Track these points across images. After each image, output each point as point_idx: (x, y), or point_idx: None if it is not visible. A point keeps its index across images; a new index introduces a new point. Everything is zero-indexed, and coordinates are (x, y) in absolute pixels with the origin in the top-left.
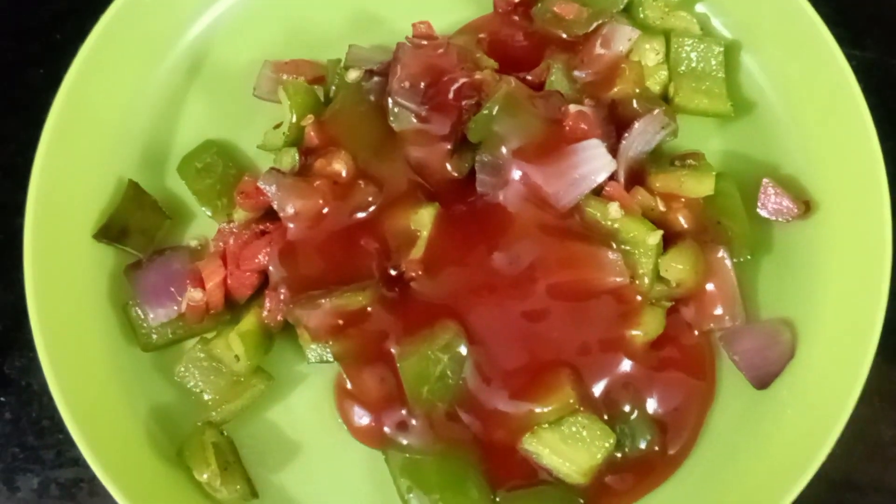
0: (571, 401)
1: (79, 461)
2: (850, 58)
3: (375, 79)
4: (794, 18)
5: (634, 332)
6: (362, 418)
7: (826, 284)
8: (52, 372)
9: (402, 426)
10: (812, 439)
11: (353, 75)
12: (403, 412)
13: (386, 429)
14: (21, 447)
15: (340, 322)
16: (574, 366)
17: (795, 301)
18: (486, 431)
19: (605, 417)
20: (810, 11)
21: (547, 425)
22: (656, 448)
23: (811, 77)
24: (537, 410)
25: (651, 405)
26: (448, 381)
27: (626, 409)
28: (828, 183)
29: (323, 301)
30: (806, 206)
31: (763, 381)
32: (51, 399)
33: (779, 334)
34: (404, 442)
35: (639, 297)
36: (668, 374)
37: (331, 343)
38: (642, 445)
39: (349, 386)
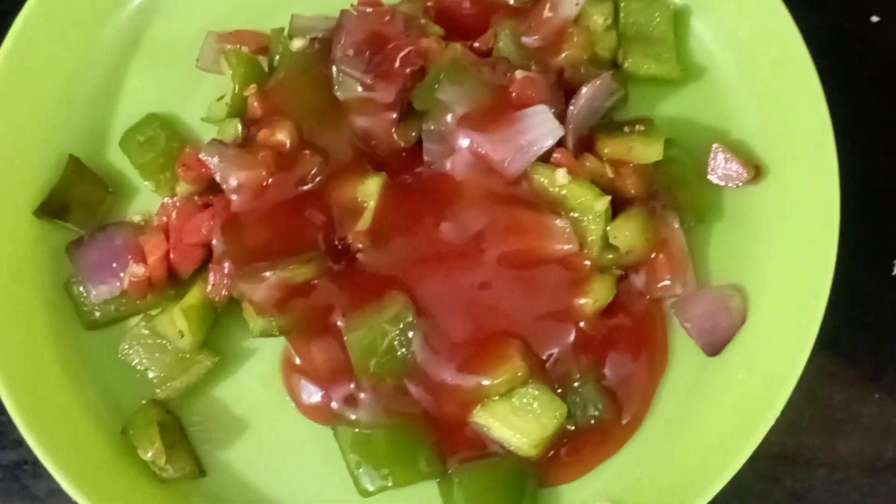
0: (521, 373)
1: (22, 443)
2: (800, 21)
3: (318, 47)
4: None
5: (584, 300)
6: (311, 395)
7: (776, 249)
8: None
9: (351, 400)
10: (762, 402)
11: (297, 44)
12: (351, 386)
13: (334, 404)
14: None
15: (286, 295)
16: (523, 336)
17: (746, 266)
18: (437, 405)
19: (557, 388)
20: None
21: (497, 397)
22: (608, 417)
23: (761, 41)
24: (486, 383)
25: (603, 374)
26: (396, 354)
27: (577, 379)
28: (778, 147)
29: (267, 274)
30: (756, 171)
31: (715, 347)
32: None
33: (730, 300)
34: (353, 417)
35: (588, 264)
36: (619, 342)
37: (276, 317)
38: (594, 415)
39: (297, 361)
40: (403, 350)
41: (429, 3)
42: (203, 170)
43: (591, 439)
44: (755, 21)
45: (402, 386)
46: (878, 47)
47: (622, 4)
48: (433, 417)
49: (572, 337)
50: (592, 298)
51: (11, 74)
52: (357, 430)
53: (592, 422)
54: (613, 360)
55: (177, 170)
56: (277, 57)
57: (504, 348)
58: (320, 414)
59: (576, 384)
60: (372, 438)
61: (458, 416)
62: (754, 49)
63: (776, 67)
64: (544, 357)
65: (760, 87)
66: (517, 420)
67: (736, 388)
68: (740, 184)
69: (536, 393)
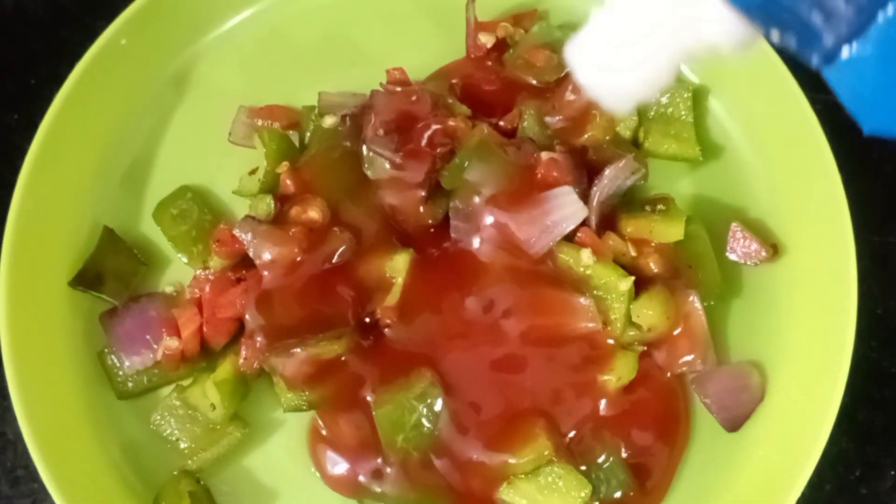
0: (547, 452)
1: None
2: (814, 101)
3: (348, 124)
4: (759, 63)
5: (607, 377)
6: (336, 466)
7: (794, 327)
8: (27, 420)
9: (377, 474)
10: (783, 479)
11: (329, 122)
12: (378, 460)
13: (361, 477)
14: None
15: (316, 370)
16: (549, 414)
17: (764, 343)
18: (462, 481)
19: (581, 465)
20: (774, 57)
21: (523, 476)
22: (632, 493)
23: (776, 121)
24: (513, 461)
25: (625, 450)
26: (423, 430)
27: (601, 455)
28: (794, 226)
29: (298, 350)
30: (774, 250)
31: (734, 423)
32: (25, 448)
33: (748, 377)
34: (378, 490)
35: (611, 342)
36: (641, 417)
37: (307, 391)
38: (618, 492)
39: (324, 432)
40: (430, 426)
41: (454, 81)
42: (237, 245)
43: None
44: (770, 102)
45: (428, 460)
46: None
47: None
48: (458, 493)
49: (596, 413)
50: (616, 376)
51: (49, 148)
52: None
53: (616, 498)
54: (636, 436)
55: (211, 245)
56: (308, 133)
57: (530, 427)
58: (345, 486)
59: (599, 460)
60: None
61: (483, 492)
62: (770, 129)
63: (790, 146)
64: (569, 434)
65: (776, 166)
66: (543, 499)
67: (757, 465)
68: (759, 262)
69: (562, 472)
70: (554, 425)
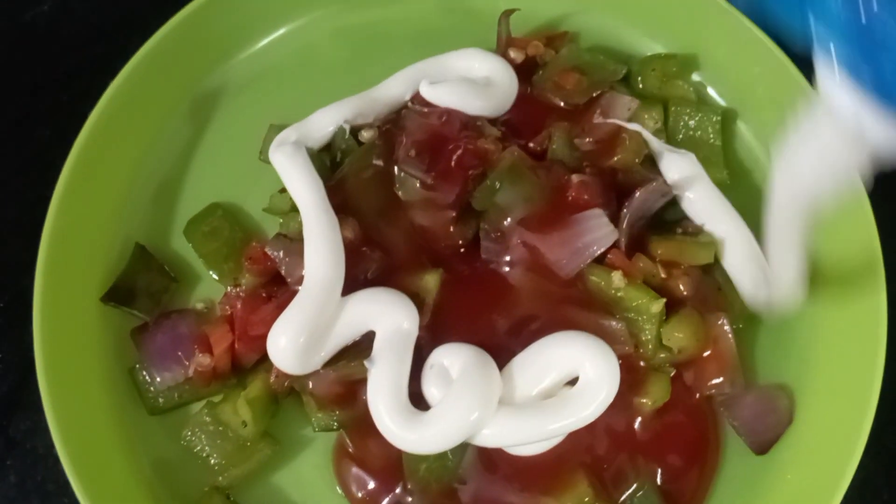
0: (587, 499)
1: None
2: None
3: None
4: (787, 88)
5: (643, 400)
6: (360, 487)
7: (823, 350)
8: (60, 434)
9: (399, 500)
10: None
11: (366, 135)
12: (398, 490)
13: (385, 501)
14: None
15: (346, 390)
16: (588, 449)
17: (793, 367)
18: None
19: (617, 496)
20: (802, 80)
21: None
22: None
23: None
24: None
25: (659, 475)
26: (447, 464)
27: (634, 483)
28: (823, 249)
29: (328, 369)
30: None
31: (762, 446)
32: (56, 462)
33: (777, 400)
34: None
35: (642, 364)
36: (673, 441)
37: (337, 412)
38: None
39: (350, 449)
40: (455, 460)
41: None
42: (269, 263)
43: None
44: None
45: (451, 492)
46: None
47: (672, 109)
48: None
49: (631, 439)
50: (651, 399)
51: (83, 164)
52: None
53: None
54: (668, 460)
55: (243, 263)
56: (339, 153)
57: (570, 470)
58: None
59: (632, 489)
60: None
61: None
62: None
63: None
64: (606, 468)
65: None
66: None
67: (786, 489)
68: None
69: None
70: (594, 461)
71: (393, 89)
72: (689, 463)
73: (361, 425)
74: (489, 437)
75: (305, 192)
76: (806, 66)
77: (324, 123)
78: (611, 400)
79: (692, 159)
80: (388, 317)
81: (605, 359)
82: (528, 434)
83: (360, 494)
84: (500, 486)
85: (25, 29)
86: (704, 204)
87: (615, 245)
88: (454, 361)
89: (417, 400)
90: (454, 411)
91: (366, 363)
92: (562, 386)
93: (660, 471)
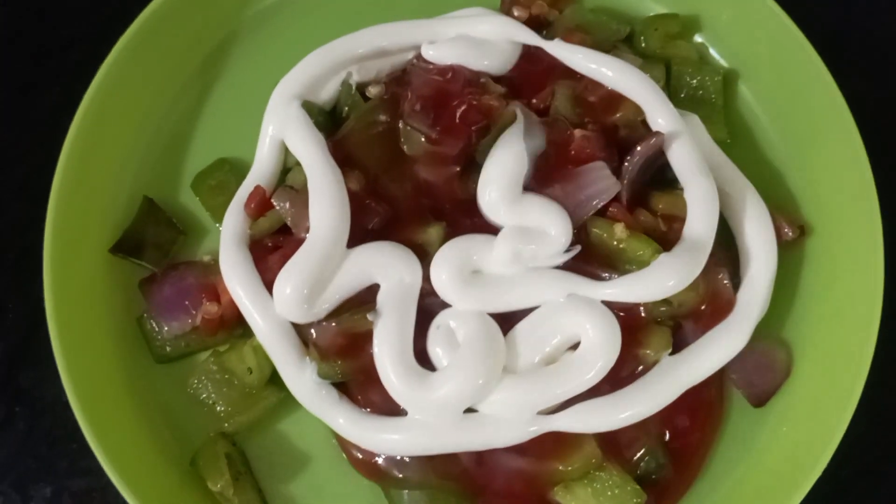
0: (595, 460)
1: (91, 471)
2: (843, 86)
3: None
4: (789, 48)
5: (646, 352)
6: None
7: (821, 306)
8: (70, 382)
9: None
10: (807, 457)
11: (374, 90)
12: None
13: (379, 460)
14: (34, 457)
15: (349, 342)
16: None
17: (791, 322)
18: (506, 485)
19: (628, 457)
20: (805, 42)
21: (578, 480)
22: (668, 475)
23: (805, 105)
24: (561, 468)
25: (664, 433)
26: None
27: (645, 445)
28: (822, 207)
29: (331, 321)
30: (801, 230)
31: (760, 398)
32: (64, 409)
33: (775, 354)
34: (400, 476)
35: (643, 316)
36: (680, 400)
37: (339, 362)
38: (657, 475)
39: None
40: None
41: None
42: (272, 210)
43: (652, 496)
44: (799, 85)
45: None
46: None
47: (674, 68)
48: (477, 481)
49: None
50: (653, 350)
51: (91, 121)
52: (407, 491)
53: (655, 480)
54: (675, 419)
55: (247, 206)
56: (346, 108)
57: (576, 435)
58: (369, 469)
59: (642, 451)
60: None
61: (532, 494)
62: (798, 112)
63: (819, 129)
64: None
65: (804, 148)
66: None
67: (782, 441)
68: (787, 241)
69: (617, 480)
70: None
71: (391, 39)
72: (694, 420)
73: (363, 378)
74: (494, 405)
75: (304, 146)
76: (807, 29)
77: (316, 70)
78: (613, 362)
79: (695, 120)
80: (392, 269)
81: (605, 321)
82: (534, 400)
83: (361, 456)
84: (507, 451)
85: None
86: (693, 160)
87: (617, 199)
88: (461, 325)
89: (422, 357)
90: (460, 377)
91: (369, 316)
92: (564, 351)
93: (669, 430)
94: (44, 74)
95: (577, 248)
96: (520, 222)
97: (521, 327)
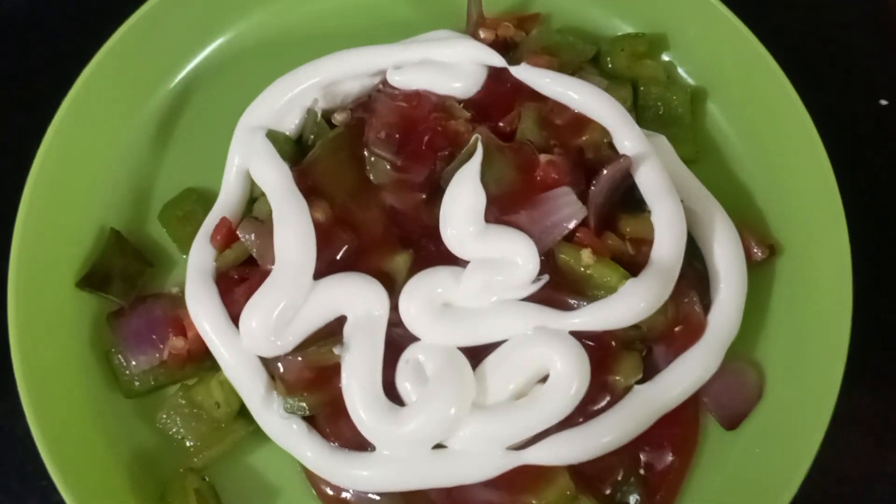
0: (569, 492)
1: None
2: (809, 102)
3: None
4: (755, 66)
5: (616, 378)
6: (325, 484)
7: (792, 325)
8: (35, 418)
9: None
10: (780, 478)
11: (339, 118)
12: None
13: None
14: (4, 492)
15: (315, 375)
16: None
17: (762, 342)
18: None
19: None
20: (770, 60)
21: None
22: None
23: (772, 122)
24: (534, 502)
25: (641, 460)
26: None
27: (620, 473)
28: (791, 226)
29: (297, 355)
30: (770, 250)
31: (732, 421)
32: (34, 445)
33: (746, 375)
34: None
35: (613, 343)
36: (655, 426)
37: (306, 396)
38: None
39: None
40: None
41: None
42: (234, 239)
43: None
44: (766, 103)
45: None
46: (886, 126)
47: (641, 88)
48: None
49: None
50: (623, 376)
51: (57, 150)
52: None
53: None
54: (651, 445)
55: (213, 239)
56: (311, 137)
57: (549, 467)
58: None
59: (619, 478)
60: None
61: None
62: (765, 129)
63: (786, 147)
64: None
65: (772, 166)
66: None
67: (754, 463)
68: (756, 261)
69: None
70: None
71: (356, 65)
72: (669, 446)
73: (330, 411)
74: (464, 440)
75: (268, 176)
76: (774, 45)
77: (280, 99)
78: (583, 393)
79: (663, 141)
80: (360, 301)
81: (572, 352)
82: (504, 435)
83: (330, 492)
84: (478, 486)
85: (3, 17)
86: (660, 182)
87: (584, 223)
88: (429, 359)
89: (390, 390)
90: (429, 411)
91: (335, 349)
92: (534, 384)
93: (642, 457)
94: (14, 99)
95: (546, 279)
96: (486, 254)
97: (489, 361)
